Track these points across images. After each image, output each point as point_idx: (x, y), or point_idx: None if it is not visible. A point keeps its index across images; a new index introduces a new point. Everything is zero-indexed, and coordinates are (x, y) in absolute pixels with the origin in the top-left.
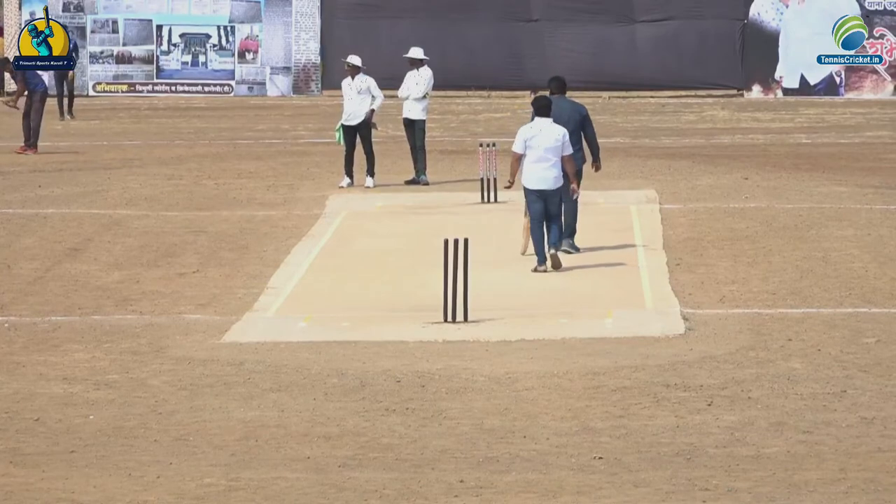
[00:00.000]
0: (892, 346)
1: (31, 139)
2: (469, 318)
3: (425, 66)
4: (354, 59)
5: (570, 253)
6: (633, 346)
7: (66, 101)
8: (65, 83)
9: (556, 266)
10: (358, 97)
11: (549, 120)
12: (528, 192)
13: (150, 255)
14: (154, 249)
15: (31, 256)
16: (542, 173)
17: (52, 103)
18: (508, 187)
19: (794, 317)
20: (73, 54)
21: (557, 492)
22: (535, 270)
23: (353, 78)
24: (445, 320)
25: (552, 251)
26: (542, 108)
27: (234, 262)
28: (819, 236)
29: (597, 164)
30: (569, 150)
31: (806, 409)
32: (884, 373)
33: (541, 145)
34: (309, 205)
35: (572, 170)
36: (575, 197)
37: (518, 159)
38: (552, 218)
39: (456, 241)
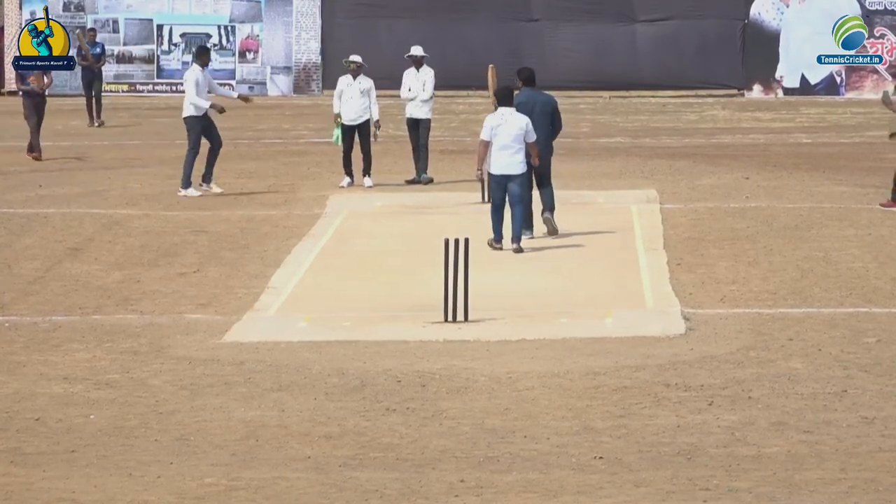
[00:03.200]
0: (893, 346)
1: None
2: (469, 318)
3: (425, 66)
4: (358, 58)
5: (552, 229)
6: (634, 345)
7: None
8: (92, 89)
9: (517, 252)
10: (360, 97)
11: (513, 109)
12: (492, 177)
13: (151, 255)
14: (154, 249)
15: (31, 256)
16: (507, 160)
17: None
18: (480, 177)
19: (794, 317)
20: (102, 57)
21: (558, 492)
22: (492, 247)
23: (354, 77)
24: (445, 320)
25: (514, 245)
26: (504, 98)
27: (234, 261)
28: (819, 236)
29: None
30: (532, 137)
31: (806, 409)
32: (884, 373)
33: (506, 133)
34: (309, 205)
35: (535, 150)
36: (535, 164)
37: (486, 147)
38: (514, 204)
39: (456, 241)
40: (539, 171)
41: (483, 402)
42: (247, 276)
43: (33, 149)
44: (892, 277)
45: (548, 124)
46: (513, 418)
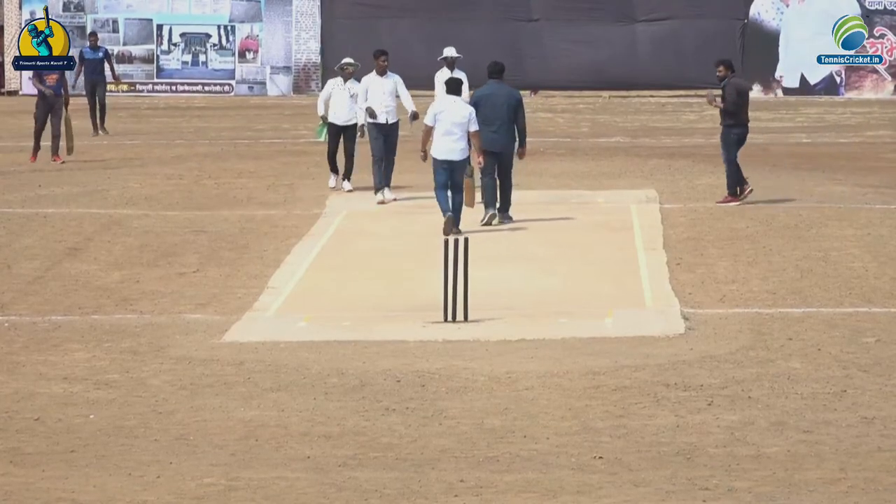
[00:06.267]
0: (892, 346)
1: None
2: (469, 318)
3: (457, 68)
4: (349, 60)
5: (505, 222)
6: (633, 345)
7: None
8: (96, 96)
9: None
10: (349, 100)
11: (457, 98)
12: (435, 161)
13: (150, 255)
14: (154, 249)
15: (31, 256)
16: (449, 145)
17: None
18: (424, 158)
19: (794, 316)
20: (106, 62)
21: (557, 492)
22: (445, 218)
23: (345, 81)
24: (445, 320)
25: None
26: (451, 88)
27: (234, 261)
28: (819, 236)
29: (522, 150)
30: (474, 127)
31: (806, 409)
32: (884, 372)
33: (448, 120)
34: (309, 204)
35: (478, 143)
36: (481, 167)
37: (428, 132)
38: (456, 192)
39: (456, 241)
40: (501, 162)
41: (483, 401)
42: (246, 275)
43: (55, 151)
44: (892, 277)
45: (508, 117)
46: (512, 418)
